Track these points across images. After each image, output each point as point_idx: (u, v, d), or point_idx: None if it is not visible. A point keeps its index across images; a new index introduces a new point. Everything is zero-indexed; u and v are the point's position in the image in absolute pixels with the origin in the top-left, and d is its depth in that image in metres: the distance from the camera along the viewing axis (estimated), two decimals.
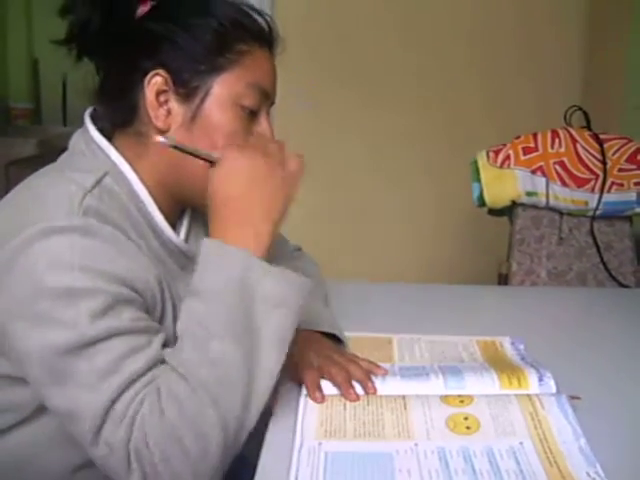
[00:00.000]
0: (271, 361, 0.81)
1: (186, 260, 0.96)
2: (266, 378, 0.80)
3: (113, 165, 0.92)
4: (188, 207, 1.01)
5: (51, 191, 0.86)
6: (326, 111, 2.71)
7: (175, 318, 0.90)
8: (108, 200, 0.87)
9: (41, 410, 0.87)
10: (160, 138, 0.89)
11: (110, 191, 0.89)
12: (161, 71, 0.90)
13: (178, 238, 0.97)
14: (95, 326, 0.78)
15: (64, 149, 0.97)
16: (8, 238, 0.80)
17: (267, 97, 0.96)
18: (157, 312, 0.89)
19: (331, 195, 2.75)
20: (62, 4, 0.91)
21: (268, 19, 0.98)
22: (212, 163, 0.89)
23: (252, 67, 0.94)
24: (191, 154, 0.90)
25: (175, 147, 0.90)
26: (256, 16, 0.97)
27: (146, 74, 0.90)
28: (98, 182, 0.87)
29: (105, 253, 0.82)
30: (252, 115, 0.94)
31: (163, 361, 0.81)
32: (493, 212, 1.90)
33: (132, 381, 0.78)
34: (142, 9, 0.93)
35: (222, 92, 0.92)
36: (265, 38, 0.97)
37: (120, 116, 0.94)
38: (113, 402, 0.77)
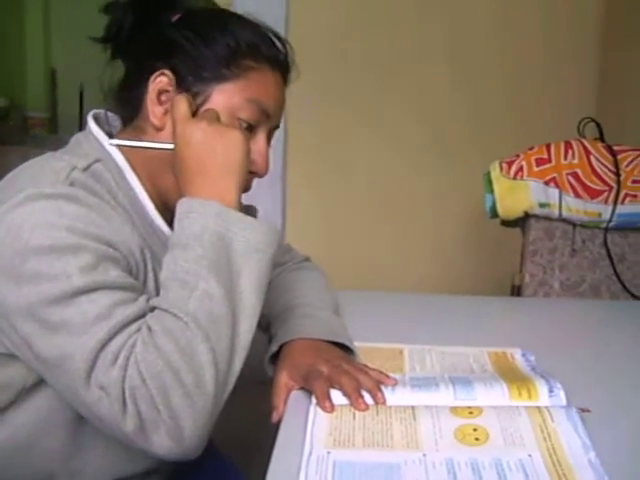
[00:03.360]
0: (252, 304, 0.86)
1: None
2: (248, 320, 0.86)
3: (107, 154, 0.96)
4: None
5: (40, 166, 0.91)
6: (344, 113, 2.70)
7: (157, 291, 0.93)
8: (94, 183, 0.91)
9: (28, 392, 0.90)
10: (111, 141, 0.96)
11: (99, 176, 0.93)
12: (167, 72, 0.95)
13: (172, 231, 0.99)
14: (84, 278, 0.81)
15: None
16: None
17: (267, 116, 0.99)
18: (140, 280, 0.93)
19: (342, 205, 2.75)
20: (104, 5, 0.99)
21: (287, 47, 1.02)
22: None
23: (256, 84, 0.97)
24: (146, 147, 0.96)
25: (127, 145, 0.96)
26: (276, 41, 1.01)
27: (154, 72, 0.95)
28: (89, 165, 0.92)
29: (90, 218, 0.85)
30: (250, 130, 0.97)
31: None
32: (506, 223, 1.90)
33: (122, 326, 0.81)
34: (172, 18, 0.99)
35: (220, 101, 0.95)
36: (278, 63, 1.00)
37: (126, 110, 1.00)
38: (103, 345, 0.80)
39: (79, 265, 0.81)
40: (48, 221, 0.83)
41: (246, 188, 0.97)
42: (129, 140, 0.97)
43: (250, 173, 0.97)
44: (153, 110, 0.96)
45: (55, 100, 4.05)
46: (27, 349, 0.84)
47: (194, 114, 0.94)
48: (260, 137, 1.00)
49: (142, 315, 0.84)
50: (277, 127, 1.04)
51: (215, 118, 0.93)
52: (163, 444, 0.80)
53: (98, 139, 0.98)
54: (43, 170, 0.90)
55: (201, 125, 0.90)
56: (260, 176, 1.01)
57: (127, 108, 1.00)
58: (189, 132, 0.90)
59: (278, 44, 1.01)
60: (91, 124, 1.00)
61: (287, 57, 1.03)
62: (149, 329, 0.81)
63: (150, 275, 0.95)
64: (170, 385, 0.78)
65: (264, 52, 0.98)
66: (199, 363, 0.80)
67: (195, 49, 0.95)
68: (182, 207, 0.88)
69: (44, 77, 4.02)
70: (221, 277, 0.84)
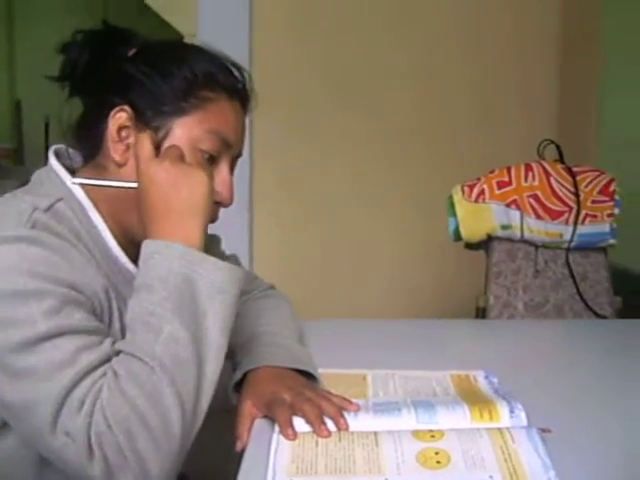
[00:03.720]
0: (218, 344, 0.86)
1: None
2: (214, 361, 0.86)
3: (69, 192, 0.96)
4: None
5: (5, 207, 0.91)
6: (308, 143, 2.72)
7: (123, 332, 0.92)
8: (57, 223, 0.90)
9: None
10: (74, 180, 0.96)
11: (62, 215, 0.92)
12: (126, 107, 0.95)
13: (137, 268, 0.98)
14: (48, 323, 0.81)
15: None
16: None
17: (228, 146, 0.99)
18: (105, 322, 0.92)
19: (308, 233, 2.76)
20: (61, 45, 0.98)
21: (245, 75, 1.02)
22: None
23: (215, 115, 0.97)
24: (109, 186, 0.95)
25: (90, 184, 0.95)
26: (234, 71, 1.01)
27: (113, 109, 0.95)
28: (51, 205, 0.91)
29: (52, 261, 0.85)
30: (212, 160, 0.97)
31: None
32: (469, 246, 1.92)
33: (87, 372, 0.81)
34: (129, 52, 0.98)
35: (181, 134, 0.95)
36: (236, 91, 1.00)
37: (87, 148, 0.99)
38: (69, 391, 0.79)
39: (42, 310, 0.81)
40: (10, 265, 0.82)
41: (212, 219, 0.97)
42: (91, 178, 0.97)
43: (215, 203, 0.97)
44: (114, 147, 0.95)
45: (20, 131, 4.03)
46: None
47: (157, 149, 0.93)
48: (223, 167, 0.99)
49: (107, 359, 0.84)
50: (239, 155, 1.03)
51: (179, 157, 0.92)
52: None
53: (60, 176, 0.97)
54: (6, 212, 0.89)
55: (164, 165, 0.90)
56: (225, 206, 1.00)
57: (87, 145, 0.99)
58: (153, 172, 0.90)
59: (236, 73, 1.01)
60: (52, 160, 0.99)
61: (245, 85, 1.02)
62: (115, 374, 0.81)
63: (115, 315, 0.95)
64: (136, 430, 0.78)
65: (221, 81, 0.98)
66: (165, 407, 0.80)
67: (152, 83, 0.95)
68: (147, 248, 0.88)
69: (9, 108, 4.00)
70: (185, 318, 0.84)
